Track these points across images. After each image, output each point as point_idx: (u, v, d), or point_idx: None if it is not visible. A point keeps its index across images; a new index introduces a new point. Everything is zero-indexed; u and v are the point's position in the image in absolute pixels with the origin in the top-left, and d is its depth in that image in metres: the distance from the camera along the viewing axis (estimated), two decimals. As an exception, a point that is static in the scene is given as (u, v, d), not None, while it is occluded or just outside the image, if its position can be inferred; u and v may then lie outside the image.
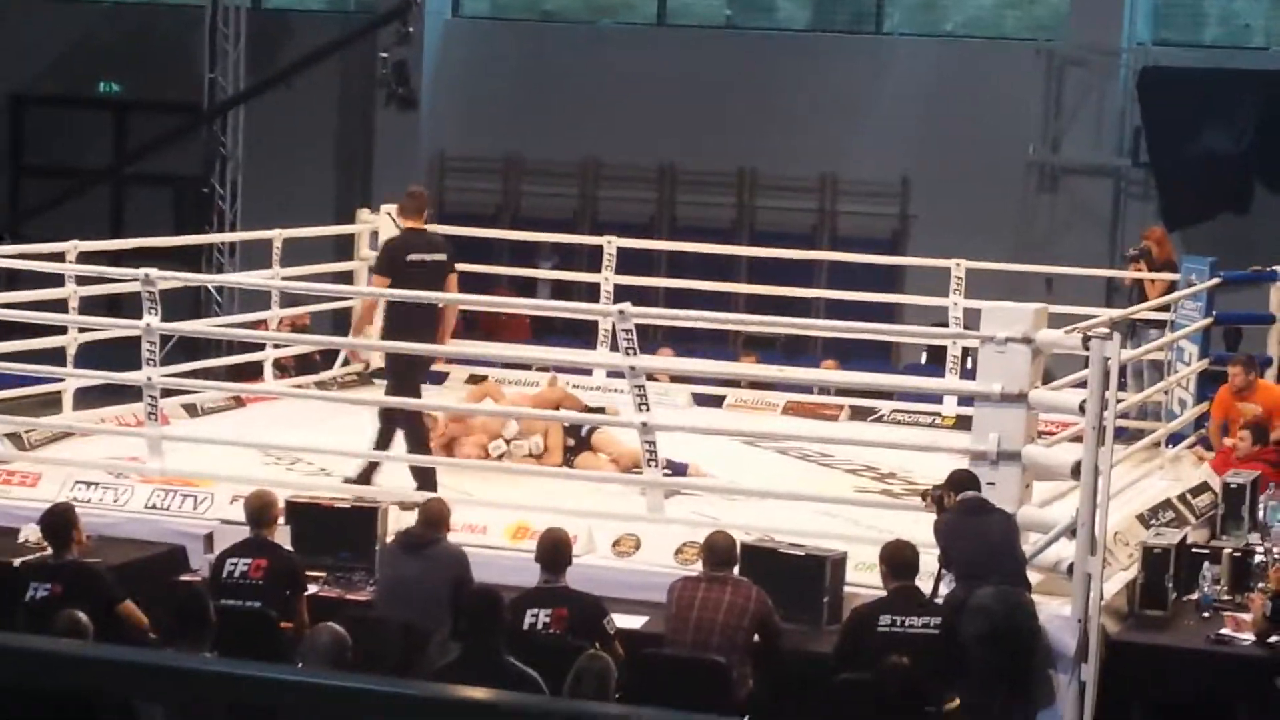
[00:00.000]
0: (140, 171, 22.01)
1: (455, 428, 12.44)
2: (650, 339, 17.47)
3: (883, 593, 9.13)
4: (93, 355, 13.43)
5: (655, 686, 8.75)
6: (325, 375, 15.02)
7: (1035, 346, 9.90)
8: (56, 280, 12.68)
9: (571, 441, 12.33)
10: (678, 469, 11.91)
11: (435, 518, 9.64)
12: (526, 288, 19.04)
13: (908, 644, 8.78)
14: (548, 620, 8.99)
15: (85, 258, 12.96)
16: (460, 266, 16.12)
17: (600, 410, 12.81)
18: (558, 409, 12.84)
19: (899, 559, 9.09)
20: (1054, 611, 9.23)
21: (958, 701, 8.80)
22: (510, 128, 21.98)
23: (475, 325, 19.46)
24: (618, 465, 12.20)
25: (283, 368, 14.80)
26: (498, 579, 9.35)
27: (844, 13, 22.10)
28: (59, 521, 9.41)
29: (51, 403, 12.84)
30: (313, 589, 9.68)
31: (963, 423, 12.67)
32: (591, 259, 16.64)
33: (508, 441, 12.36)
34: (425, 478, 11.17)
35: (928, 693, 8.68)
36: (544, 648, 8.70)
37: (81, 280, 12.81)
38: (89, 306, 13.23)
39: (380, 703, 3.23)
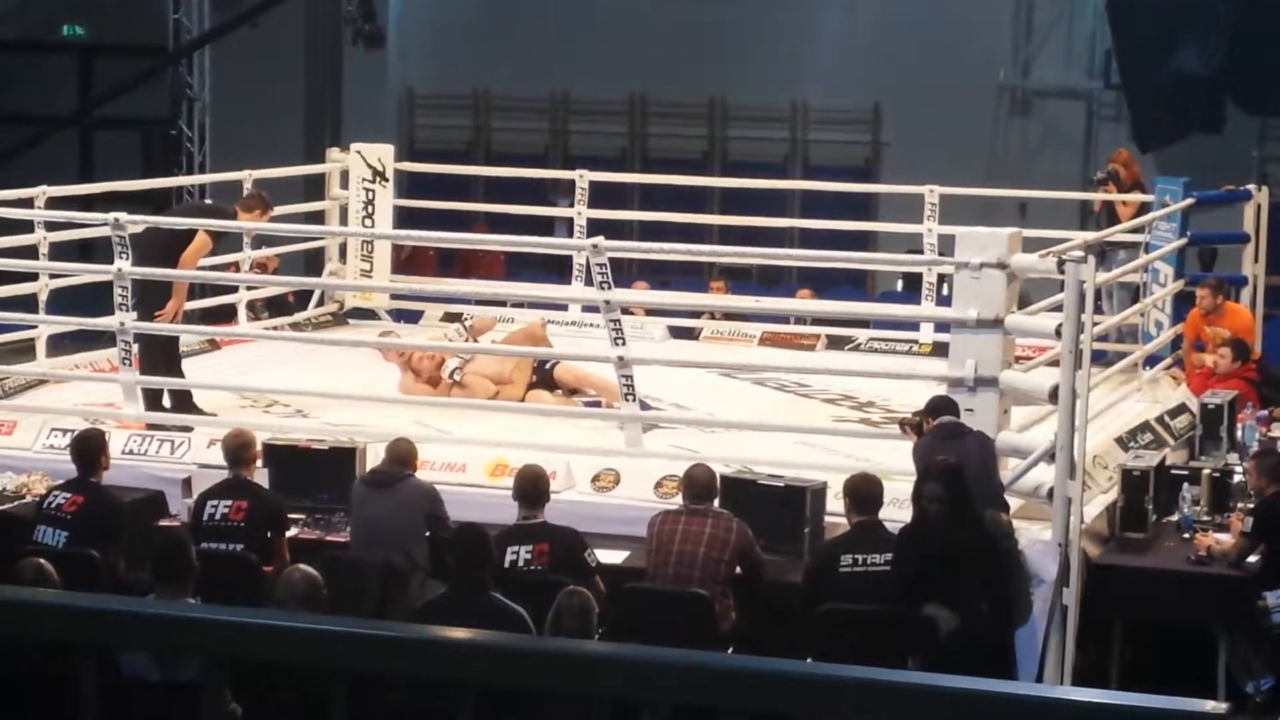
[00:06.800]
0: (107, 115, 21.84)
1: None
2: (625, 273, 17.41)
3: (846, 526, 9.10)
4: (64, 301, 13.35)
5: (638, 621, 8.75)
6: (300, 316, 14.98)
7: (1010, 271, 9.88)
8: (26, 227, 12.59)
9: (535, 378, 12.28)
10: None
11: (402, 455, 9.62)
12: (500, 224, 18.95)
13: (870, 582, 8.75)
14: (529, 556, 8.97)
15: (54, 203, 12.86)
16: (436, 204, 16.25)
17: None
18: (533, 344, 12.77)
19: (862, 493, 9.03)
20: (1034, 536, 9.22)
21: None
22: (479, 63, 21.84)
23: (451, 262, 19.39)
24: (583, 394, 12.21)
25: (254, 310, 14.75)
26: (477, 517, 9.31)
27: (812, -61, 21.95)
28: (88, 446, 9.72)
29: (25, 350, 12.77)
30: (293, 531, 9.66)
31: (940, 349, 12.66)
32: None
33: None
34: (183, 401, 11.55)
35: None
36: (527, 584, 8.69)
37: (51, 226, 12.73)
38: (59, 253, 13.14)
39: (379, 646, 3.21)
